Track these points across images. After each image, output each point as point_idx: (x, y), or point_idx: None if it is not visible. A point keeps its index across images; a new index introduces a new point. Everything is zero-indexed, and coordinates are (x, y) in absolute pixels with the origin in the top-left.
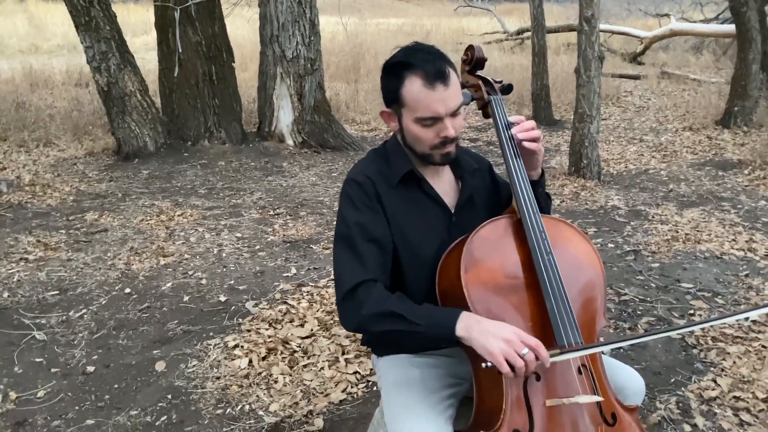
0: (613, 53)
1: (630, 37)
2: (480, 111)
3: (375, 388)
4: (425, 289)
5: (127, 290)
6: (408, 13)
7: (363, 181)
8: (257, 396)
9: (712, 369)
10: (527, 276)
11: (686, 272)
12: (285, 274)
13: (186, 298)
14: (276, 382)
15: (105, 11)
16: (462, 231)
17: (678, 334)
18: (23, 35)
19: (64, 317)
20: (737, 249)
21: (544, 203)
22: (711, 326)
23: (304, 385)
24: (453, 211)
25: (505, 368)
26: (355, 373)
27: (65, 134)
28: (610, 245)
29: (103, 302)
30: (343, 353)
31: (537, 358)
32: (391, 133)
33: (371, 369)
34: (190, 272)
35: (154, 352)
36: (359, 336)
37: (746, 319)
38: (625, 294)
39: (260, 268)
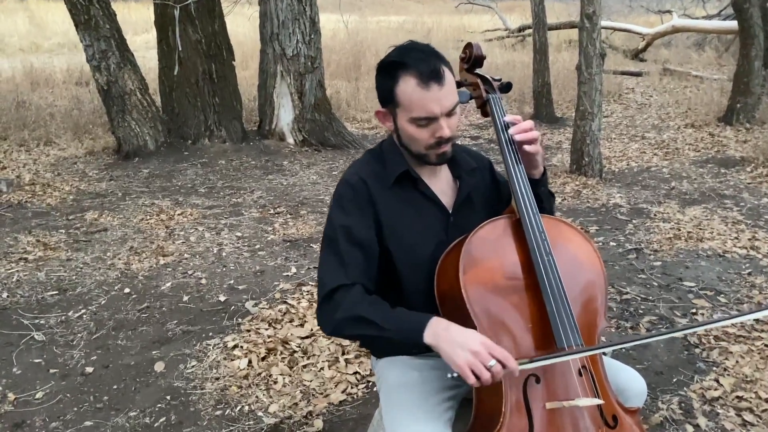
0: (615, 50)
1: (632, 33)
2: (479, 110)
3: (375, 389)
4: (424, 291)
5: (127, 290)
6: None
7: (355, 183)
8: (257, 397)
9: (714, 369)
10: (527, 277)
11: (688, 271)
12: (285, 274)
13: (185, 298)
14: (275, 382)
15: (104, 9)
16: (460, 231)
17: (662, 339)
18: (24, 34)
19: (63, 317)
20: (740, 247)
21: (546, 202)
22: (697, 330)
23: (304, 385)
24: (451, 211)
25: (472, 380)
26: (355, 373)
27: (65, 133)
28: (611, 243)
29: (103, 302)
30: (343, 353)
31: (505, 367)
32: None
33: (371, 369)
34: (189, 272)
35: (153, 352)
36: None
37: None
38: (627, 293)
39: (260, 267)
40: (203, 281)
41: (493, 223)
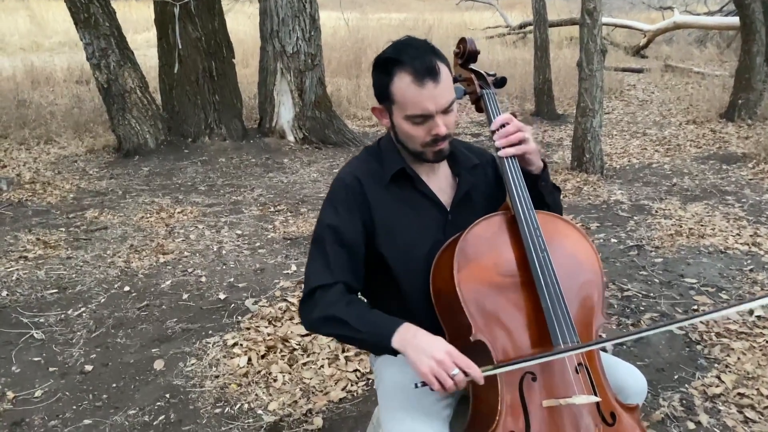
0: (616, 47)
1: (633, 30)
2: (473, 105)
3: (375, 387)
4: (421, 290)
5: (127, 288)
6: (410, 8)
7: (350, 182)
8: (256, 395)
9: (716, 365)
10: (522, 274)
11: (690, 267)
12: (285, 272)
13: (185, 296)
14: (275, 380)
15: (104, 8)
16: (458, 230)
17: (646, 335)
18: (25, 33)
19: (62, 316)
20: (741, 243)
21: (549, 197)
22: (683, 324)
23: (304, 383)
24: (449, 210)
25: (436, 386)
26: (355, 371)
27: (66, 132)
28: (613, 240)
29: (102, 300)
30: (342, 351)
31: (467, 375)
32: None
33: (371, 367)
34: (189, 270)
35: (153, 350)
36: None
37: (742, 320)
38: (628, 289)
39: (260, 265)
40: (203, 279)
41: (487, 220)
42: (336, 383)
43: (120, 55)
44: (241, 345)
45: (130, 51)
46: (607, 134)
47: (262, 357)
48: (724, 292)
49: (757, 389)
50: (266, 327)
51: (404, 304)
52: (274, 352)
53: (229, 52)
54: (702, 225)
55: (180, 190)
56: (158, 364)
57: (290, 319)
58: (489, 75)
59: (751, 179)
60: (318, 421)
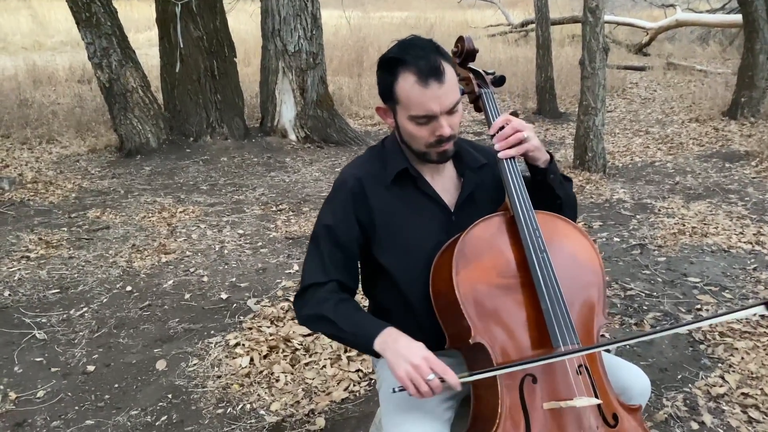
0: (619, 44)
1: (635, 28)
2: (471, 104)
3: (377, 387)
4: (422, 292)
5: (129, 288)
6: (411, 6)
7: (351, 183)
8: (258, 395)
9: (719, 365)
10: (522, 275)
11: (693, 266)
12: (287, 271)
13: (187, 296)
14: (277, 380)
15: (106, 7)
16: (461, 231)
17: (639, 341)
18: (27, 32)
19: (64, 316)
20: (745, 242)
21: (560, 188)
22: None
23: (306, 383)
24: (452, 210)
25: (412, 390)
26: (358, 371)
27: (68, 131)
28: (615, 239)
29: (104, 300)
30: (345, 351)
31: (443, 381)
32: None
33: (373, 367)
34: (191, 269)
35: (155, 350)
36: None
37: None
38: (631, 289)
39: (262, 265)
40: (205, 279)
41: (486, 221)
42: (338, 383)
43: (122, 55)
44: (243, 345)
45: (131, 50)
46: (609, 132)
47: (264, 357)
48: (727, 291)
49: (761, 389)
50: (268, 327)
51: (406, 306)
52: (276, 352)
53: (230, 51)
54: (705, 224)
55: (182, 189)
56: (160, 365)
57: (292, 319)
58: (488, 74)
59: (754, 177)
60: (320, 422)
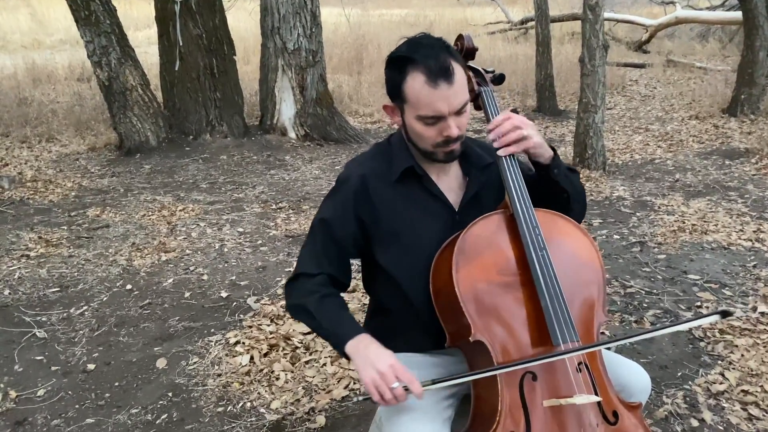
0: (618, 42)
1: (635, 25)
2: (471, 103)
3: None
4: (424, 290)
5: (128, 286)
6: (411, 4)
7: (354, 180)
8: (258, 393)
9: (719, 362)
10: (521, 273)
11: (693, 263)
12: (287, 269)
13: (187, 294)
14: (277, 378)
15: (105, 5)
16: None
17: (630, 343)
18: (26, 31)
19: (64, 314)
20: (745, 239)
21: (565, 182)
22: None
23: (306, 381)
24: (457, 210)
25: (376, 397)
26: None
27: (67, 130)
28: (615, 237)
29: (104, 299)
30: None
31: (407, 390)
32: (395, 126)
33: None
34: (191, 268)
35: (155, 349)
36: None
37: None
38: (631, 286)
39: (262, 263)
40: (205, 277)
41: (486, 219)
42: (339, 381)
43: (121, 53)
44: (244, 343)
45: (130, 48)
46: (609, 130)
47: (265, 355)
48: (727, 288)
49: (761, 386)
50: (268, 325)
51: (407, 304)
52: (277, 351)
53: (230, 49)
54: (705, 221)
55: (181, 187)
56: (161, 363)
57: (292, 318)
58: (487, 72)
59: (754, 175)
60: (320, 420)
